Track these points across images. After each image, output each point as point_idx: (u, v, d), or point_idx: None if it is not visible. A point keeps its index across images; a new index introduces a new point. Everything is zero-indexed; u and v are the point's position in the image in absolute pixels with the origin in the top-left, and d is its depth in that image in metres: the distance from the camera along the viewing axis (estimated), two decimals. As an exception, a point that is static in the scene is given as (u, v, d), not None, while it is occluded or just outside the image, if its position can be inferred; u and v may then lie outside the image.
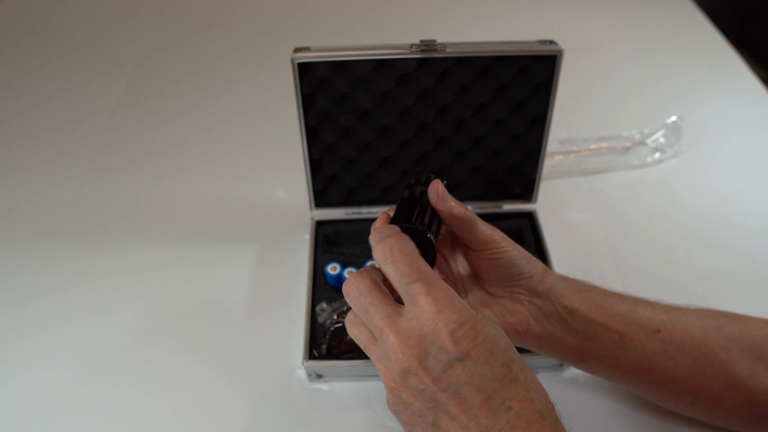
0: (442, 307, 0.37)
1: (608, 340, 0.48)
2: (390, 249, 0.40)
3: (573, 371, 0.61)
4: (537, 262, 0.49)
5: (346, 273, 0.66)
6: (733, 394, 0.48)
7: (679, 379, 0.48)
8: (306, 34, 1.12)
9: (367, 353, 0.41)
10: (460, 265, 0.51)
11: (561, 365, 0.61)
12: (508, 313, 0.48)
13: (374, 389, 0.60)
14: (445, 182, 0.53)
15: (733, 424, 0.51)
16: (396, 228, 0.43)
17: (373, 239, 0.42)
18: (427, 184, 0.51)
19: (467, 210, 0.47)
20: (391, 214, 0.48)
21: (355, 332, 0.42)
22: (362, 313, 0.40)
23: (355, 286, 0.41)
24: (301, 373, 0.61)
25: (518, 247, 0.48)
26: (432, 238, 0.45)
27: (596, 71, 1.03)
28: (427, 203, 0.47)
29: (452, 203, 0.46)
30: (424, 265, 0.39)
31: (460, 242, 0.49)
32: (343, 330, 0.61)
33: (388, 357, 0.38)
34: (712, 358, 0.48)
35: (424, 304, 0.37)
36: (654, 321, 0.48)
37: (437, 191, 0.46)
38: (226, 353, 0.64)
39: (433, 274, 0.39)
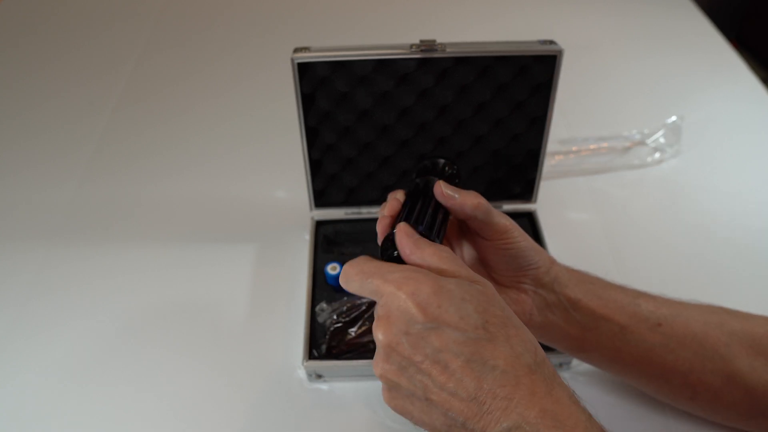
0: (400, 283, 0.38)
1: (609, 332, 0.48)
2: (344, 274, 0.42)
3: (573, 369, 0.61)
4: (545, 253, 0.50)
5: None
6: (732, 389, 0.48)
7: (678, 373, 0.48)
8: (306, 34, 1.12)
9: None
10: (466, 252, 0.51)
11: (561, 365, 0.61)
12: (512, 302, 0.49)
13: (374, 389, 0.60)
14: (455, 167, 0.53)
15: (732, 419, 0.51)
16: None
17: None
18: (438, 172, 0.51)
19: (479, 202, 0.46)
20: (399, 197, 0.48)
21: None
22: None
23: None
24: (301, 373, 0.61)
25: (528, 237, 0.49)
26: (437, 242, 0.45)
27: (596, 71, 1.03)
28: (434, 197, 0.47)
29: (460, 199, 0.46)
30: (374, 264, 0.40)
31: (470, 229, 0.49)
32: (343, 330, 0.61)
33: (376, 345, 0.39)
34: (713, 353, 0.48)
35: (384, 288, 0.38)
36: (656, 314, 0.49)
37: (441, 194, 0.47)
38: (226, 353, 0.64)
39: (390, 265, 0.40)
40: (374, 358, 0.39)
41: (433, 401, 0.36)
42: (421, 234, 0.44)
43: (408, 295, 0.37)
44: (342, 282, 0.42)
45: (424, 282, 0.37)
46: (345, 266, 0.42)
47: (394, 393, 0.39)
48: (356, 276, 0.40)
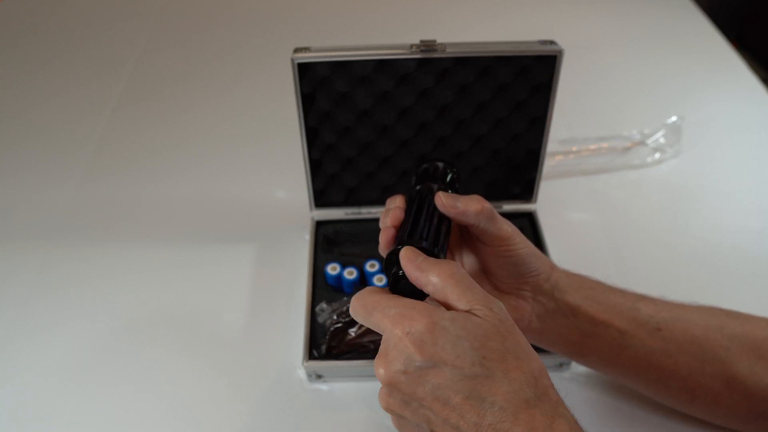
0: (397, 321, 0.38)
1: (608, 337, 0.48)
2: (352, 307, 0.42)
3: (573, 370, 0.61)
4: (545, 259, 0.50)
5: (346, 273, 0.66)
6: (732, 392, 0.48)
7: (678, 377, 0.48)
8: (306, 34, 1.12)
9: None
10: (466, 258, 0.51)
11: (561, 366, 0.61)
12: (511, 309, 0.49)
13: (374, 389, 0.59)
14: (455, 171, 0.52)
15: (731, 422, 0.51)
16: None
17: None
18: (438, 177, 0.50)
19: (482, 207, 0.46)
20: (399, 204, 0.48)
21: None
22: None
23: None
24: (301, 373, 0.61)
25: (530, 244, 0.48)
26: (441, 255, 0.44)
27: (596, 71, 1.03)
28: (435, 207, 0.47)
29: (462, 207, 0.46)
30: (376, 296, 0.41)
31: (471, 235, 0.49)
32: (343, 330, 0.61)
33: (378, 377, 0.39)
34: (712, 357, 0.48)
35: (384, 324, 0.39)
36: (655, 319, 0.49)
37: (443, 205, 0.46)
38: (226, 353, 0.64)
39: (389, 299, 0.40)
40: (379, 391, 0.40)
41: None
42: (424, 248, 0.43)
43: (404, 334, 0.37)
44: (351, 314, 0.43)
45: (418, 319, 0.37)
46: (352, 299, 0.42)
47: (402, 422, 0.40)
48: (360, 309, 0.41)
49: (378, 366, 0.38)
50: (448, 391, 0.36)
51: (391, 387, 0.38)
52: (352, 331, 0.61)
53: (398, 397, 0.38)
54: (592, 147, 0.86)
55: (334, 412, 0.59)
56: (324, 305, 0.64)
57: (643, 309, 0.49)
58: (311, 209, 0.72)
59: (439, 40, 0.59)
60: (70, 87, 1.01)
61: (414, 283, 0.42)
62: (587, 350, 0.49)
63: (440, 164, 0.52)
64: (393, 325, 0.38)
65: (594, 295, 0.49)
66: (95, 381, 0.61)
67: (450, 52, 0.59)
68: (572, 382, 0.61)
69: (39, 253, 0.74)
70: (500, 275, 0.49)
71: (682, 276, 0.71)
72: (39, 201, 0.81)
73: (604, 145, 0.86)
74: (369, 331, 0.61)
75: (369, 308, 0.40)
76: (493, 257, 0.48)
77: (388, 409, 0.39)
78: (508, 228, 0.47)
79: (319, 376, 0.60)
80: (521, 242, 0.47)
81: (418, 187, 0.50)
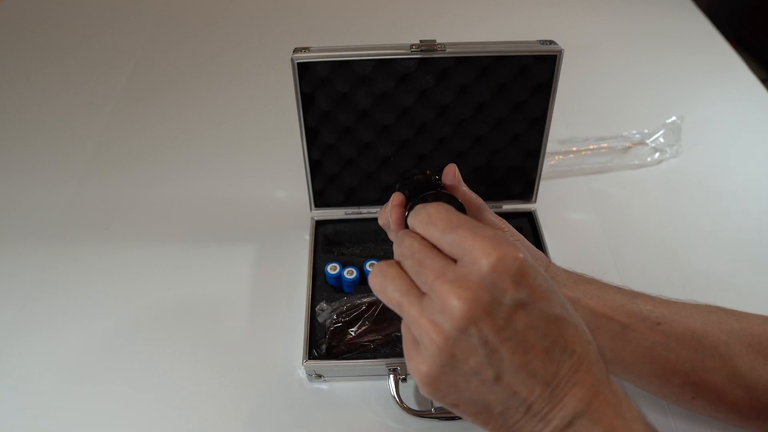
0: (494, 245, 0.32)
1: (610, 331, 0.49)
2: (427, 214, 0.37)
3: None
4: (540, 253, 0.51)
5: (346, 273, 0.66)
6: (734, 388, 0.48)
7: (680, 372, 0.49)
8: (306, 34, 1.12)
9: (403, 312, 0.36)
10: None
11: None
12: None
13: (374, 389, 0.60)
14: (437, 177, 0.52)
15: (733, 419, 0.51)
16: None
17: (410, 218, 0.39)
18: (431, 181, 0.50)
19: (478, 197, 0.48)
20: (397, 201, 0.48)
21: (386, 285, 0.37)
22: (415, 267, 0.36)
23: (408, 246, 0.37)
24: (301, 373, 0.61)
25: (523, 238, 0.50)
26: (458, 200, 0.45)
27: (596, 71, 1.03)
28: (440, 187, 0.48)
29: (465, 188, 0.48)
30: (465, 217, 0.36)
31: None
32: (343, 330, 0.61)
33: (442, 310, 0.33)
34: (712, 351, 0.48)
35: (476, 246, 0.33)
36: (654, 313, 0.49)
37: (453, 175, 0.47)
38: (226, 353, 0.64)
39: (476, 221, 0.36)
40: (439, 327, 0.33)
41: (502, 381, 0.33)
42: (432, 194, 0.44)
43: (502, 261, 0.32)
44: (419, 222, 0.37)
45: (518, 249, 0.33)
46: (430, 208, 0.36)
47: (446, 371, 0.34)
48: (441, 222, 0.35)
49: (454, 296, 0.32)
50: (537, 334, 0.33)
51: (469, 323, 0.32)
52: (352, 331, 0.61)
53: (475, 335, 0.32)
54: (592, 147, 0.86)
55: (334, 412, 0.59)
56: (324, 305, 0.64)
57: (641, 304, 0.49)
58: (311, 209, 0.72)
59: (439, 40, 0.59)
60: (70, 87, 1.01)
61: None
62: None
63: (429, 171, 0.50)
64: (494, 246, 0.32)
65: (592, 290, 0.50)
66: (95, 380, 0.61)
67: (450, 52, 0.59)
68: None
69: (39, 253, 0.74)
70: None
71: (682, 275, 0.71)
72: (39, 201, 0.81)
73: (604, 145, 0.86)
74: (369, 331, 0.61)
75: (453, 224, 0.34)
76: None
77: (442, 353, 0.33)
78: (499, 220, 0.50)
79: (319, 376, 0.60)
80: (512, 234, 0.50)
81: (421, 177, 0.49)
